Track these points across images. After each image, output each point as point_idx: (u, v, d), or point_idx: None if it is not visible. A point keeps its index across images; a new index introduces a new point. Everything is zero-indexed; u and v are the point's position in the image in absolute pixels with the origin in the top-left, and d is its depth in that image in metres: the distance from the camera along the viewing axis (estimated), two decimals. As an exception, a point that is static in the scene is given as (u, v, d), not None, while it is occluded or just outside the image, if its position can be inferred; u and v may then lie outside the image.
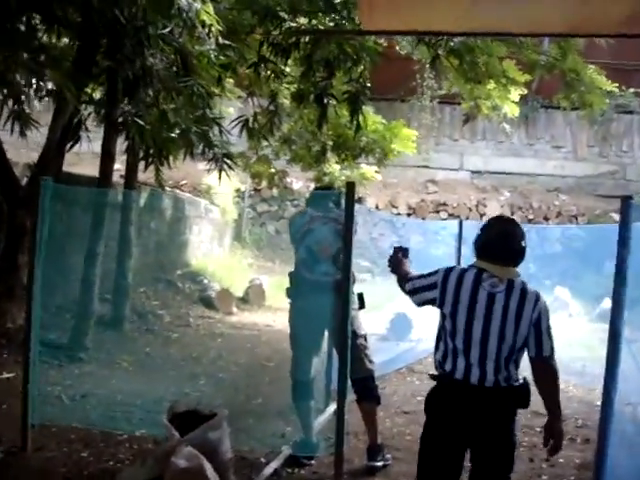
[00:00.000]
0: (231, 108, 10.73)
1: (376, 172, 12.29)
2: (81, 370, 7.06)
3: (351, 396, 4.96)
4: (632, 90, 15.52)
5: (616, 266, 3.93)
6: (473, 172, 19.92)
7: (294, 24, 7.90)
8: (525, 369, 3.44)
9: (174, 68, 7.22)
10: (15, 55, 5.90)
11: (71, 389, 6.32)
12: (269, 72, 8.25)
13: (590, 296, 13.36)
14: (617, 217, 13.94)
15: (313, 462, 5.00)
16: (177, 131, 7.17)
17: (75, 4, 6.49)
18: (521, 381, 3.37)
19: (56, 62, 6.55)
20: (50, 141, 7.50)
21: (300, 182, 17.24)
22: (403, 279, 3.72)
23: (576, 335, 10.12)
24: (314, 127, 9.77)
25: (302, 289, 5.04)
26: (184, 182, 17.09)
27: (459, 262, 9.82)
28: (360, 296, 5.11)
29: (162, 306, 10.75)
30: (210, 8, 6.61)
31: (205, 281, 12.59)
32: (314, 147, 11.27)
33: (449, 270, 3.46)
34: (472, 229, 13.31)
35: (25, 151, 11.39)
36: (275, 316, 11.25)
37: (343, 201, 4.67)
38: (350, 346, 4.63)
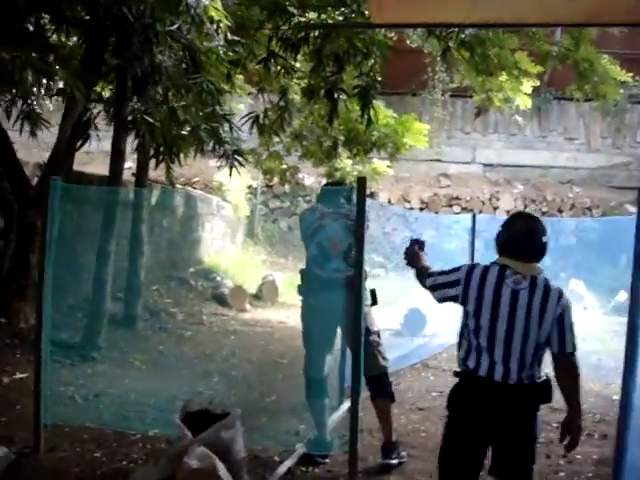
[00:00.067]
0: (242, 105, 10.68)
1: (388, 167, 12.24)
2: (94, 369, 7.04)
3: (365, 393, 4.92)
4: (646, 80, 15.37)
5: (634, 259, 3.88)
6: (486, 165, 19.80)
7: (303, 19, 7.84)
8: (546, 364, 3.42)
9: (183, 65, 7.19)
10: (24, 55, 5.88)
11: (84, 389, 6.30)
12: (279, 67, 8.19)
13: (605, 289, 13.30)
14: (632, 209, 13.86)
15: (327, 460, 4.94)
16: (187, 128, 7.14)
17: (83, 2, 6.47)
18: (543, 377, 3.37)
19: (65, 61, 6.53)
20: (60, 140, 7.49)
21: (312, 178, 17.19)
22: (422, 274, 3.72)
23: (591, 328, 10.02)
24: (325, 122, 9.73)
25: (313, 286, 4.99)
26: (196, 179, 17.11)
27: (472, 256, 9.77)
28: (372, 292, 5.05)
29: (175, 304, 10.73)
30: (218, 4, 6.55)
31: (218, 278, 12.58)
32: (325, 142, 11.24)
33: (472, 267, 3.45)
34: (485, 223, 13.27)
35: (37, 151, 11.41)
36: (288, 312, 11.21)
37: (354, 196, 4.62)
38: (363, 343, 4.58)
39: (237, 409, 4.35)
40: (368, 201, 4.56)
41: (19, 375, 6.41)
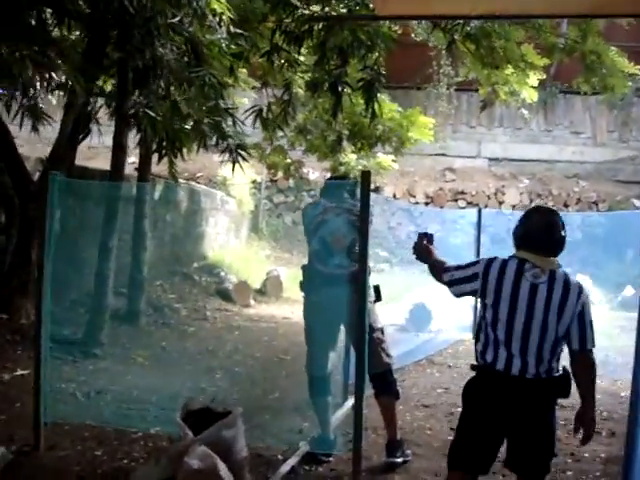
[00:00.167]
0: (245, 99, 10.61)
1: (393, 161, 12.15)
2: (96, 366, 6.99)
3: (369, 390, 4.85)
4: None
5: (643, 254, 3.81)
6: (491, 159, 19.70)
7: (307, 11, 7.75)
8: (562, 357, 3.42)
9: (185, 58, 7.11)
10: (25, 48, 5.81)
11: (85, 386, 6.24)
12: (282, 61, 8.11)
13: (611, 284, 13.23)
14: (638, 203, 13.75)
15: (331, 459, 4.87)
16: (190, 122, 7.07)
17: (84, -5, 6.41)
18: (561, 371, 3.37)
19: (66, 55, 6.46)
20: (62, 135, 7.44)
21: (317, 172, 17.12)
22: (437, 268, 3.69)
23: (597, 324, 9.91)
24: (329, 116, 9.64)
25: (316, 282, 4.91)
26: (200, 174, 17.05)
27: (478, 251, 9.72)
28: (376, 288, 4.98)
29: (178, 299, 10.69)
30: (220, -4, 6.48)
31: (222, 273, 12.53)
32: (329, 137, 11.17)
33: (490, 261, 3.43)
34: (491, 217, 13.19)
35: (40, 146, 11.35)
36: (293, 308, 11.14)
37: (358, 191, 4.54)
38: (367, 340, 4.51)
39: (239, 407, 4.28)
40: (372, 195, 4.48)
41: (20, 372, 6.35)
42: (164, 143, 7.28)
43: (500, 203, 17.93)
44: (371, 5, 7.23)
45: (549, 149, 19.54)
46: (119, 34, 6.78)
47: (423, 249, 3.81)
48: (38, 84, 6.28)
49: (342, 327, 4.99)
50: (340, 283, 4.66)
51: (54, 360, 5.49)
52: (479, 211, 10.61)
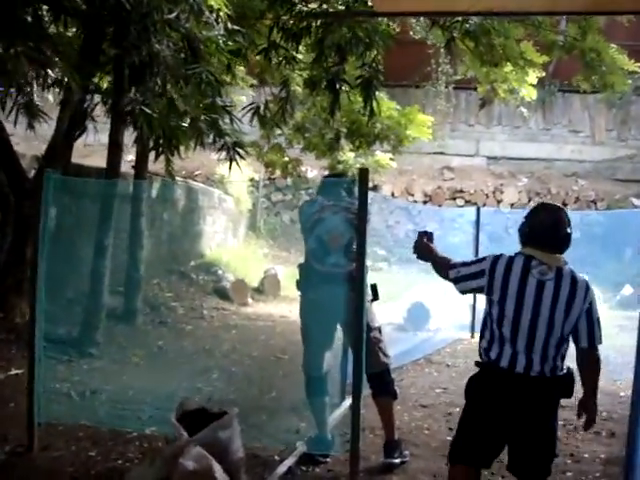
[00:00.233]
0: (243, 97, 10.56)
1: (391, 159, 12.10)
2: (91, 365, 6.93)
3: (367, 390, 4.81)
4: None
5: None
6: (489, 158, 19.67)
7: (305, 8, 7.70)
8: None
9: (182, 55, 7.05)
10: (20, 44, 5.75)
11: (80, 385, 6.18)
12: (280, 58, 8.05)
13: (610, 283, 13.18)
14: (637, 202, 13.71)
15: (328, 460, 4.83)
16: (187, 120, 7.01)
17: (79, -9, 6.35)
18: (565, 370, 3.37)
19: (62, 52, 6.40)
20: (58, 132, 7.38)
21: (315, 170, 17.07)
22: (441, 265, 3.69)
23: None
24: (327, 114, 9.58)
25: (312, 281, 4.85)
26: (198, 172, 16.99)
27: (477, 249, 9.69)
28: (373, 287, 4.93)
29: (175, 298, 10.64)
30: (218, -8, 6.43)
31: (219, 272, 12.47)
32: (327, 135, 11.11)
33: (497, 257, 3.43)
34: (489, 216, 13.16)
35: (37, 143, 11.29)
36: (291, 306, 11.09)
37: (355, 189, 4.48)
38: (364, 340, 4.46)
39: (235, 408, 4.23)
40: (370, 193, 4.43)
41: (14, 371, 6.30)
42: (161, 141, 7.22)
43: (498, 202, 17.92)
44: (369, 2, 7.18)
45: (548, 148, 19.51)
46: (115, 30, 6.71)
47: (424, 247, 3.80)
48: (33, 81, 6.25)
49: (339, 326, 4.94)
50: (337, 282, 4.61)
51: (48, 359, 5.42)
52: (478, 210, 10.56)
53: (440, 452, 5.02)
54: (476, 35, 8.28)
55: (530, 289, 3.28)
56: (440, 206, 17.68)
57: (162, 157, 7.49)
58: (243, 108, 8.36)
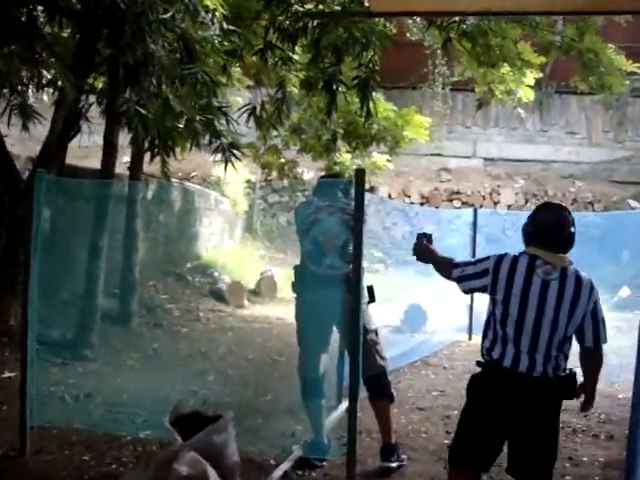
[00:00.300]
0: (239, 98, 10.51)
1: (388, 161, 12.05)
2: (85, 368, 6.88)
3: (363, 393, 4.76)
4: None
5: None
6: (486, 159, 19.66)
7: (301, 8, 7.66)
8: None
9: (177, 55, 7.00)
10: (14, 44, 5.71)
11: (74, 388, 6.12)
12: (276, 59, 8.01)
13: (607, 285, 13.11)
14: (634, 203, 13.67)
15: (324, 463, 4.78)
16: (182, 121, 6.96)
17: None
18: (567, 371, 3.35)
19: (56, 52, 6.36)
20: (52, 133, 7.32)
21: (311, 172, 17.02)
22: (443, 265, 3.68)
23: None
24: (324, 115, 9.53)
25: (308, 283, 4.81)
26: (194, 174, 16.95)
27: (474, 251, 9.65)
28: (370, 289, 4.88)
29: (171, 300, 10.59)
30: (213, -8, 6.38)
31: (215, 274, 12.42)
32: (324, 136, 11.05)
33: (501, 257, 3.42)
34: (486, 217, 13.11)
35: (32, 144, 11.22)
36: (287, 308, 11.02)
37: (352, 190, 4.43)
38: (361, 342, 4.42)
39: (230, 412, 4.17)
40: (367, 195, 4.37)
41: (7, 374, 6.25)
42: (156, 142, 7.17)
43: (495, 203, 17.91)
44: (366, 2, 7.14)
45: (545, 149, 19.51)
46: (110, 30, 6.67)
47: (424, 249, 3.79)
48: (28, 81, 6.20)
49: (335, 329, 4.89)
50: (332, 284, 4.57)
51: (42, 362, 5.36)
52: (475, 211, 10.53)
53: (438, 455, 4.98)
54: (473, 36, 8.26)
55: (535, 289, 3.27)
56: (437, 208, 17.66)
57: (158, 158, 7.44)
58: (239, 109, 8.31)
